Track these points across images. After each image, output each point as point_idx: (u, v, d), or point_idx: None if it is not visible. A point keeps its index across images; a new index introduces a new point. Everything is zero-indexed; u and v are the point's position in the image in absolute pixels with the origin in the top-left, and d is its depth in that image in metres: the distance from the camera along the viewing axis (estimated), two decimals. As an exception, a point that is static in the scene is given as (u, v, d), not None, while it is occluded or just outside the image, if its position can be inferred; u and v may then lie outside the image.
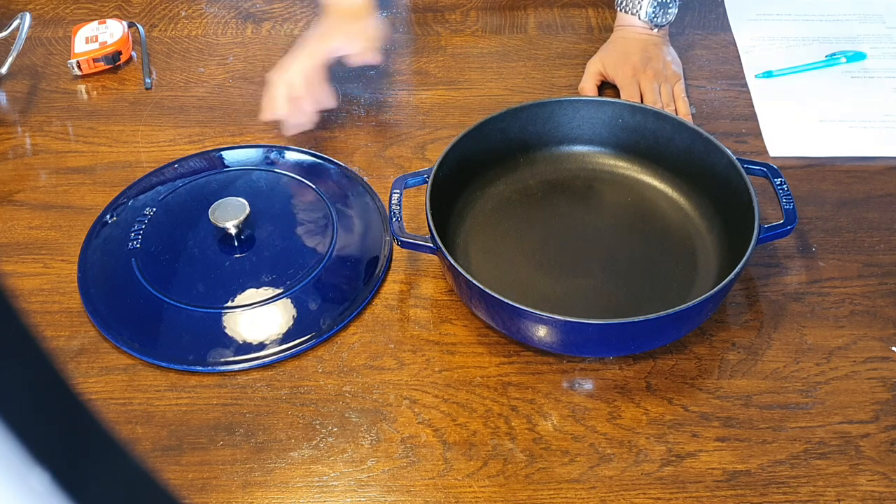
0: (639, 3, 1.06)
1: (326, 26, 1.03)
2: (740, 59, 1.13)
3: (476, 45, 1.16)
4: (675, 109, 1.04)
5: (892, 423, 0.78)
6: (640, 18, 1.07)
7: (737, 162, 0.87)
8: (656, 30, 1.07)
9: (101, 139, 1.04)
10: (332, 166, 1.00)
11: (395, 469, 0.75)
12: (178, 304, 0.85)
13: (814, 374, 0.81)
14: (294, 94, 0.98)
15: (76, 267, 0.90)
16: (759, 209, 0.82)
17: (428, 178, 0.87)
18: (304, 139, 1.03)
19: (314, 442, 0.77)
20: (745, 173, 0.86)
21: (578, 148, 0.96)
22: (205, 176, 0.98)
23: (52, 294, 0.88)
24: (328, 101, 1.01)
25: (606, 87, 1.09)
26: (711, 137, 0.90)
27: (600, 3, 1.21)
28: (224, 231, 0.88)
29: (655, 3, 1.05)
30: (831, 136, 1.03)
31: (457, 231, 0.90)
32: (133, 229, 0.92)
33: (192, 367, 0.81)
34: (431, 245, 0.83)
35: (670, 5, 1.06)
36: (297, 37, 1.15)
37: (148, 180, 0.98)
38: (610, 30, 1.12)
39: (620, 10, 1.08)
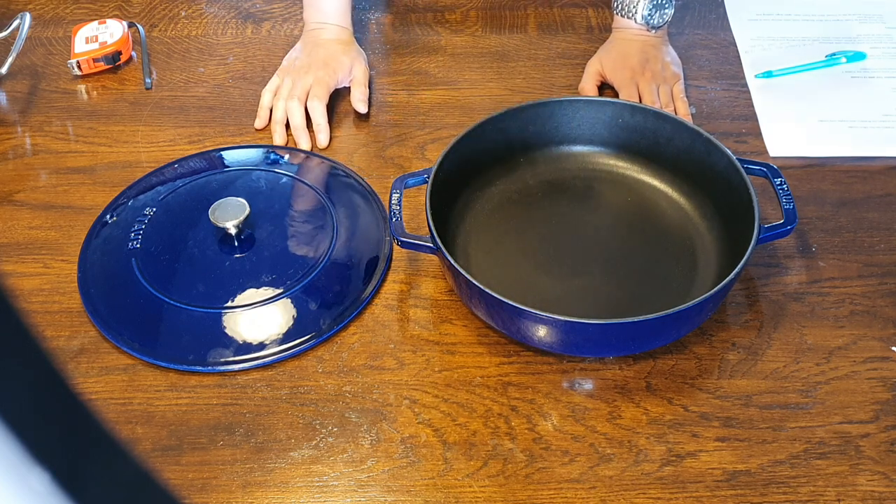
0: (634, 5, 1.06)
1: (317, 57, 1.08)
2: (740, 59, 1.13)
3: (476, 45, 1.16)
4: (675, 110, 1.04)
5: (892, 423, 0.78)
6: (635, 21, 1.06)
7: (737, 162, 0.87)
8: (653, 31, 1.07)
9: (101, 139, 1.05)
10: (332, 166, 1.00)
11: (395, 469, 0.75)
12: (178, 304, 0.85)
13: (814, 374, 0.81)
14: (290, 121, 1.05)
15: (76, 267, 0.90)
16: (759, 209, 0.82)
17: (428, 178, 0.87)
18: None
19: (314, 442, 0.77)
20: (745, 173, 0.86)
21: (578, 148, 0.96)
22: (205, 176, 0.98)
23: (52, 294, 0.88)
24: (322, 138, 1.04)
25: (606, 87, 1.09)
26: (711, 137, 0.90)
27: (600, 3, 1.21)
28: (224, 231, 0.88)
29: (651, 5, 1.05)
30: (831, 136, 1.03)
31: (457, 231, 0.90)
32: (133, 229, 0.92)
33: (192, 367, 0.82)
34: (431, 245, 0.83)
35: (666, 6, 1.05)
36: (297, 37, 1.16)
37: (148, 180, 0.98)
38: (610, 30, 1.12)
39: (616, 13, 1.08)
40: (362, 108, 1.06)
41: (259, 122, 1.05)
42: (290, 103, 1.04)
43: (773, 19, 1.20)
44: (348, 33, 1.11)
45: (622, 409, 0.79)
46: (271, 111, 1.06)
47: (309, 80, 1.05)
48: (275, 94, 1.06)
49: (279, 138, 1.04)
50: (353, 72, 1.08)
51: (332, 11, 1.10)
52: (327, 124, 1.04)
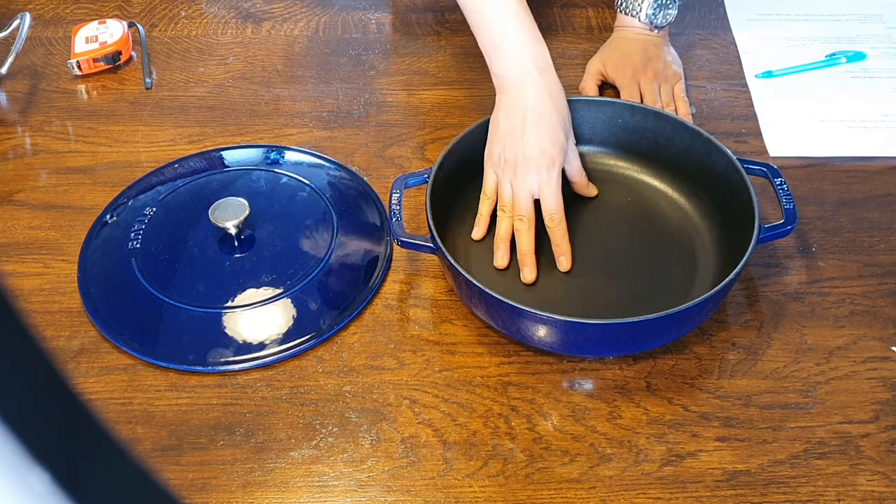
0: (639, 4, 1.06)
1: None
2: (740, 59, 1.13)
3: (476, 45, 1.15)
4: (675, 109, 1.04)
5: (892, 423, 0.78)
6: (639, 20, 1.06)
7: (737, 162, 0.87)
8: (656, 31, 1.07)
9: (101, 139, 1.05)
10: (332, 166, 1.00)
11: (395, 469, 0.75)
12: (178, 304, 0.85)
13: (814, 374, 0.81)
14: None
15: (76, 267, 0.90)
16: (759, 209, 0.82)
17: (428, 178, 0.87)
18: (304, 139, 1.04)
19: (314, 442, 0.77)
20: (745, 173, 0.86)
21: (578, 148, 0.96)
22: (205, 176, 0.98)
23: (52, 294, 0.88)
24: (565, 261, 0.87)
25: (606, 87, 1.09)
26: (711, 137, 0.90)
27: (600, 3, 1.21)
28: (224, 231, 0.88)
29: (655, 5, 1.05)
30: (831, 136, 1.03)
31: (457, 231, 0.90)
32: (133, 229, 0.92)
33: (192, 367, 0.82)
34: (431, 245, 0.83)
35: (670, 6, 1.06)
36: (297, 37, 1.16)
37: (148, 180, 0.98)
38: (610, 30, 1.12)
39: (620, 11, 1.08)
40: (593, 191, 0.93)
41: (477, 232, 0.89)
42: (518, 224, 0.86)
43: (773, 19, 1.20)
44: (553, 75, 0.89)
45: (622, 409, 0.79)
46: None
47: (532, 182, 0.86)
48: (493, 200, 0.89)
49: (502, 259, 0.87)
50: (567, 151, 0.89)
51: (528, 49, 0.88)
52: (569, 245, 0.87)
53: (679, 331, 0.81)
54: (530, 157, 0.85)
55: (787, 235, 0.84)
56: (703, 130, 0.91)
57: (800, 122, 1.05)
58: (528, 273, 0.86)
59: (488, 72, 0.91)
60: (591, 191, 0.94)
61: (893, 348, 0.83)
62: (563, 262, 0.87)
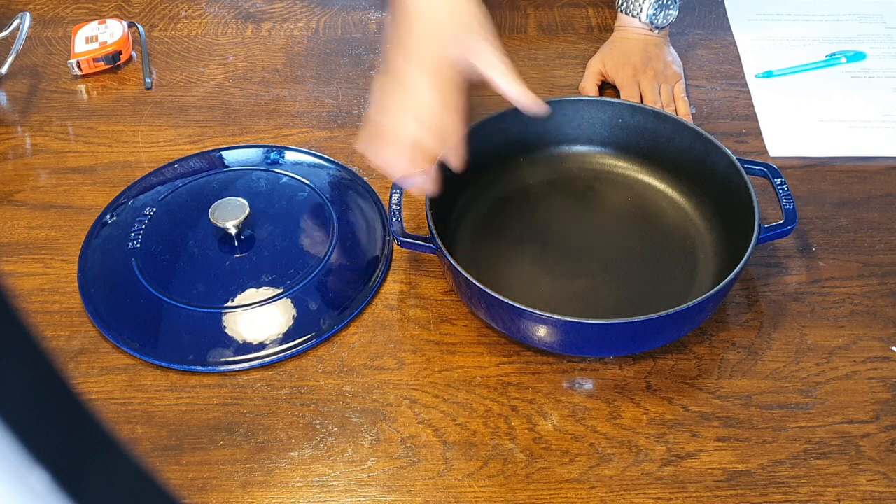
0: (639, 5, 1.06)
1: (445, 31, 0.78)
2: (740, 59, 1.13)
3: (476, 45, 1.16)
4: (675, 109, 1.04)
5: (892, 423, 0.78)
6: (640, 20, 1.07)
7: (737, 162, 0.87)
8: (657, 31, 1.07)
9: (101, 139, 1.05)
10: (332, 166, 1.00)
11: (395, 469, 0.75)
12: (178, 304, 0.85)
13: (814, 374, 0.81)
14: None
15: (76, 267, 0.90)
16: (759, 209, 0.82)
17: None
18: (304, 139, 1.04)
19: (314, 442, 0.77)
20: (745, 173, 0.86)
21: (578, 148, 0.96)
22: (205, 176, 0.98)
23: (52, 294, 0.88)
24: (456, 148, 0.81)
25: (607, 87, 1.09)
26: (711, 137, 0.90)
27: (600, 3, 1.21)
28: (224, 231, 0.88)
29: (656, 5, 1.05)
30: (831, 136, 1.03)
31: (457, 231, 0.90)
32: (133, 229, 0.92)
33: (192, 367, 0.82)
34: (431, 245, 0.83)
35: (670, 7, 1.06)
36: (297, 37, 1.15)
37: (148, 180, 0.98)
38: (610, 30, 1.12)
39: (621, 11, 1.08)
40: (530, 99, 0.81)
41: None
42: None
43: (773, 19, 1.20)
44: None
45: (622, 409, 0.79)
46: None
47: (404, 100, 0.79)
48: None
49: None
50: (471, 48, 0.78)
51: None
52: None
53: (679, 331, 0.81)
54: (403, 73, 0.78)
55: (787, 235, 0.84)
56: (703, 130, 0.91)
57: (800, 122, 1.05)
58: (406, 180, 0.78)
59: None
60: (522, 93, 0.81)
61: (893, 348, 0.83)
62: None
